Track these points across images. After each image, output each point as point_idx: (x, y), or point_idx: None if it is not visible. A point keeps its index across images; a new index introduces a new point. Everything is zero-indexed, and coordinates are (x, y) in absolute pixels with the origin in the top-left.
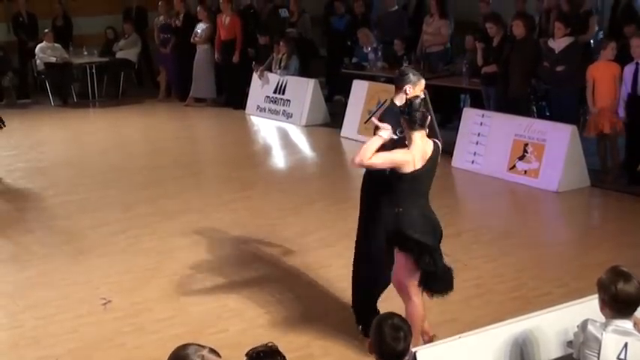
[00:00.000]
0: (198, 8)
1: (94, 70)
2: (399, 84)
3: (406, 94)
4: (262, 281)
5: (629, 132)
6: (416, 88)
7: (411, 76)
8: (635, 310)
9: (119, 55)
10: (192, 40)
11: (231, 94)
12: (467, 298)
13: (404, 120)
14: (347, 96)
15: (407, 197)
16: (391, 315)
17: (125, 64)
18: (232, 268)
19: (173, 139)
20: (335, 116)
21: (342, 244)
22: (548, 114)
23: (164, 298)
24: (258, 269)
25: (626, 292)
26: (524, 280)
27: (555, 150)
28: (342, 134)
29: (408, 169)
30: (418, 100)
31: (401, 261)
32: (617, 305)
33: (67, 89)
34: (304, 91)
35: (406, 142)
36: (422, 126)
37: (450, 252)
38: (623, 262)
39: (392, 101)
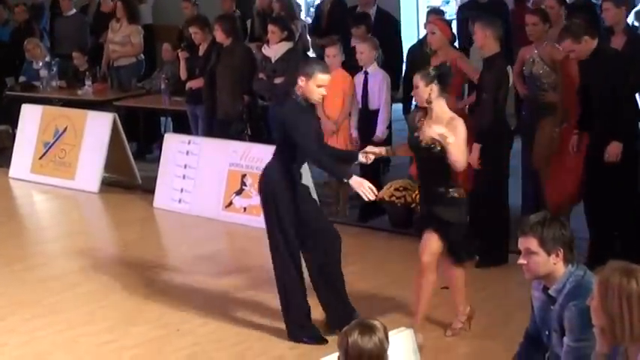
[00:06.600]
0: None
1: None
2: (298, 74)
3: (299, 85)
4: None
5: None
6: (310, 83)
7: (307, 68)
8: None
9: None
10: None
11: None
12: None
13: (435, 87)
14: (15, 125)
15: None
16: None
17: None
18: None
19: None
20: (0, 152)
21: (19, 316)
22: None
23: None
24: None
25: (358, 346)
26: (250, 344)
27: None
28: (10, 175)
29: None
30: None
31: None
32: None
33: None
34: None
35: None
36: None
37: (160, 316)
38: (367, 312)
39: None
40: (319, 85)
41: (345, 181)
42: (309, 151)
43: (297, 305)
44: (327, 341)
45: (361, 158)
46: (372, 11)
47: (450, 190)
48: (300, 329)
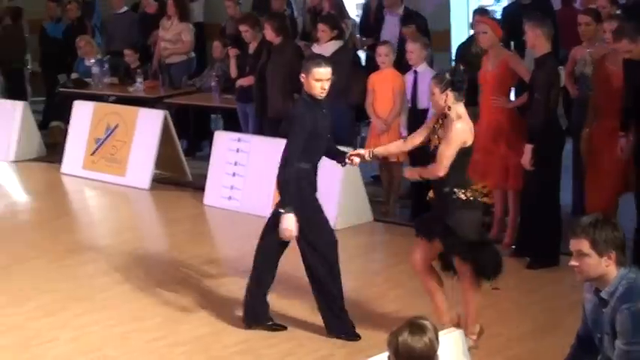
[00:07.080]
0: None
1: None
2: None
3: (301, 81)
4: None
5: (412, 154)
6: (309, 78)
7: (306, 64)
8: None
9: None
10: None
11: None
12: None
13: (451, 93)
14: (67, 122)
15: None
16: None
17: None
18: None
19: None
20: (53, 148)
21: (70, 311)
22: None
23: None
24: None
25: (408, 346)
26: (301, 341)
27: (329, 179)
28: (62, 170)
29: (470, 140)
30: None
31: None
32: None
33: None
34: (10, 117)
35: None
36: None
37: (210, 313)
38: (415, 312)
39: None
40: (317, 80)
41: (281, 211)
42: (290, 158)
43: (330, 298)
44: (359, 337)
45: (347, 161)
46: (400, 11)
47: (456, 189)
48: (336, 321)
